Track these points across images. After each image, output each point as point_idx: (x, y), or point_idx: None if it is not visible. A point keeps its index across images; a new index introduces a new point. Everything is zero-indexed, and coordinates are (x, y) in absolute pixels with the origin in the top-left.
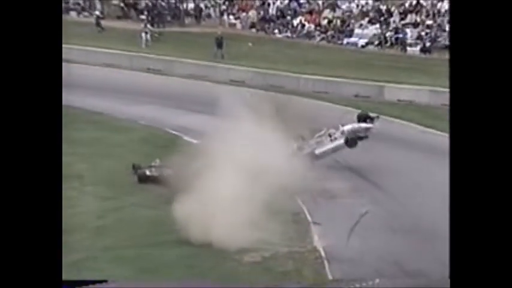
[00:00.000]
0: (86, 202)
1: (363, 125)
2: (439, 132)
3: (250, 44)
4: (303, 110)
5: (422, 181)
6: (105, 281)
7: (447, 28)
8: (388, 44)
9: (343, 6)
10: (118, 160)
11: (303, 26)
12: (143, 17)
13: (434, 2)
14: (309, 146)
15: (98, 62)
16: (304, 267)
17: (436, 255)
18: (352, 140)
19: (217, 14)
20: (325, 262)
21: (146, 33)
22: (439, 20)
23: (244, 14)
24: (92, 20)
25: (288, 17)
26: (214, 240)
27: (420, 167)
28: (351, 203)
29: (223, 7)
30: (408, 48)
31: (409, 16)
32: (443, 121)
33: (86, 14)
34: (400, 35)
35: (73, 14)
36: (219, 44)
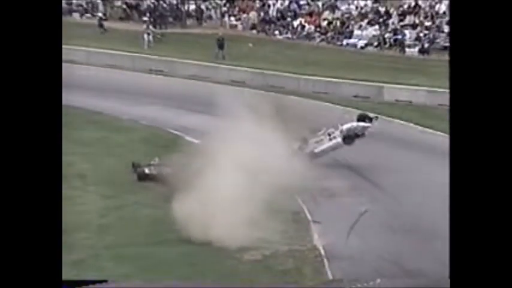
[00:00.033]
0: (89, 201)
1: (361, 123)
2: (438, 132)
3: (250, 45)
4: (303, 110)
5: (421, 180)
6: (105, 281)
7: (445, 29)
8: (387, 45)
9: (343, 8)
10: (120, 160)
11: (303, 27)
12: (145, 18)
13: (433, 3)
14: (309, 145)
15: (101, 63)
16: (304, 266)
17: (436, 255)
18: (349, 138)
19: (218, 15)
20: (325, 260)
21: (148, 34)
22: (437, 22)
23: (245, 15)
24: (95, 21)
25: (288, 19)
26: (215, 239)
27: (419, 167)
28: (351, 202)
29: (224, 8)
30: (407, 49)
31: (407, 18)
32: (443, 121)
33: (88, 15)
34: (399, 36)
35: (76, 15)
36: (220, 45)
